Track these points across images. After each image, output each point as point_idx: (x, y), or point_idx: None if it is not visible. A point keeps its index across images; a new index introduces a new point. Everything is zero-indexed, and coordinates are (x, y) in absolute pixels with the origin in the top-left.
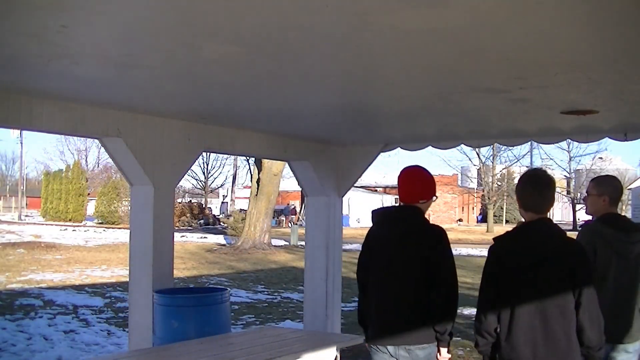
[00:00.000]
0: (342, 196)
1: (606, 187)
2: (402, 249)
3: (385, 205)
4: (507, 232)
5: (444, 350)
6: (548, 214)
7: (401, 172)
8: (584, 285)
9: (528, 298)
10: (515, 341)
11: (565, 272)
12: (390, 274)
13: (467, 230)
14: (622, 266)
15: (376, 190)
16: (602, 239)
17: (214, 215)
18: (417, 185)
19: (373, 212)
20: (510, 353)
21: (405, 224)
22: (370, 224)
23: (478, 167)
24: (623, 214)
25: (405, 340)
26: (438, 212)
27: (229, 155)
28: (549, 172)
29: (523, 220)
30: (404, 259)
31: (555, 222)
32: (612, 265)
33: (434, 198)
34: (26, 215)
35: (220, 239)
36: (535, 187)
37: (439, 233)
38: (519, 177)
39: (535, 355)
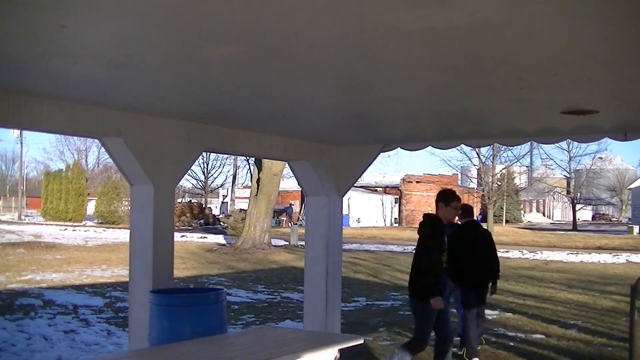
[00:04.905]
0: (342, 196)
1: (467, 210)
2: None
3: (385, 204)
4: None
5: None
6: None
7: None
8: None
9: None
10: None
11: None
12: None
13: None
14: (479, 246)
15: (376, 190)
16: (462, 234)
17: (214, 215)
18: None
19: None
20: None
21: None
22: (370, 224)
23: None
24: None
25: None
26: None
27: (229, 155)
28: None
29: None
30: None
31: (555, 221)
32: (469, 246)
33: None
34: (26, 215)
35: (220, 238)
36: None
37: None
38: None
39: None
